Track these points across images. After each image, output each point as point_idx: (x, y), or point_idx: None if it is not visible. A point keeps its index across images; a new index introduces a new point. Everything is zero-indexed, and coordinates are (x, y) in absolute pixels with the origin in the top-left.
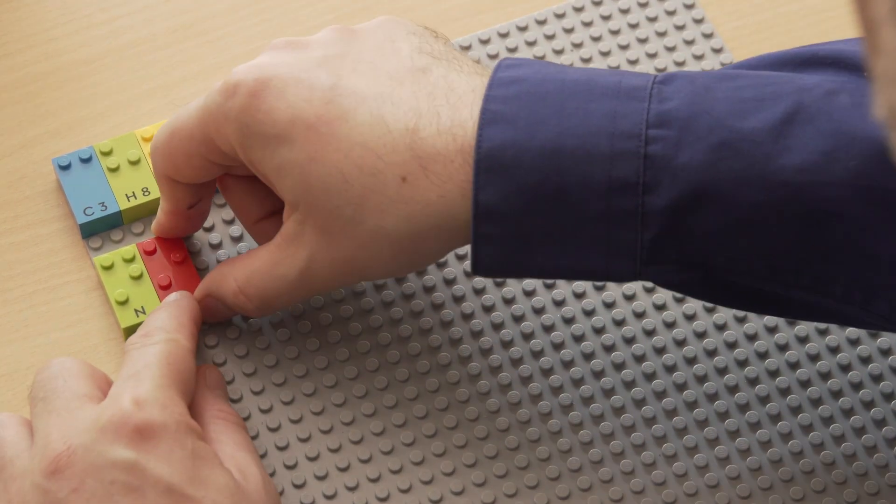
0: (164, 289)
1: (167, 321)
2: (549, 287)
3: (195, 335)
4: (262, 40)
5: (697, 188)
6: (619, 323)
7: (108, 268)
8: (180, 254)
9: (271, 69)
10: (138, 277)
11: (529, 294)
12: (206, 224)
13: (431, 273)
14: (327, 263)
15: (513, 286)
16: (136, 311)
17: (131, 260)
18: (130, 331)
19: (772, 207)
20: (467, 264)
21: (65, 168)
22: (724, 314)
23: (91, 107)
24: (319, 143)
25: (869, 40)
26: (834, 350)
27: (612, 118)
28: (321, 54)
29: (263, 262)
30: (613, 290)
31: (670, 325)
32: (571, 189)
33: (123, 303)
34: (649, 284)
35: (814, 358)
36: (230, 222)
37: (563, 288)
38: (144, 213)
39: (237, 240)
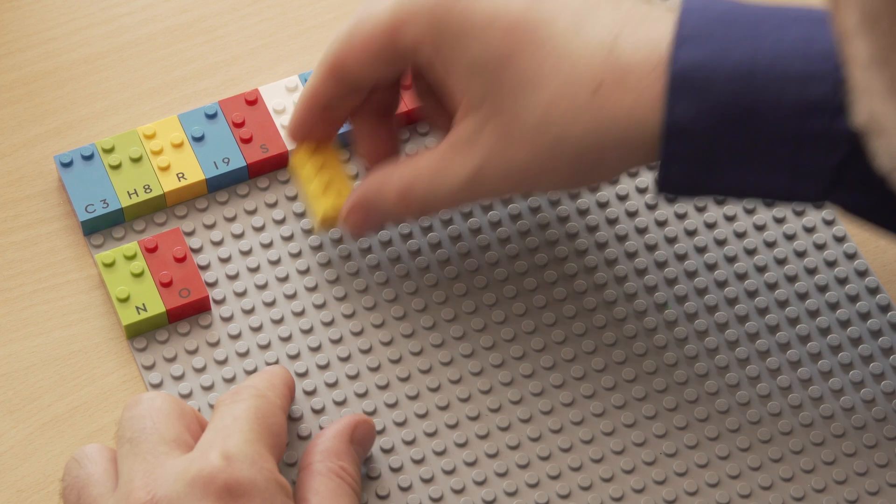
0: (166, 286)
1: (258, 382)
2: (551, 285)
3: (286, 396)
4: (262, 39)
5: None
6: (621, 321)
7: (110, 265)
8: (181, 251)
9: None
10: (139, 275)
11: (532, 291)
12: (208, 221)
13: (433, 271)
14: (501, 169)
15: (514, 283)
16: (137, 308)
17: (133, 257)
18: (132, 328)
19: None
20: (470, 262)
21: (66, 165)
22: (726, 313)
23: (91, 106)
24: (517, 45)
25: (844, 50)
26: (836, 349)
27: (806, 41)
28: None
29: (429, 167)
30: (614, 289)
31: (671, 324)
32: (763, 108)
33: (124, 300)
34: (651, 283)
35: (815, 357)
36: (231, 220)
37: (564, 286)
38: (146, 210)
39: (238, 237)
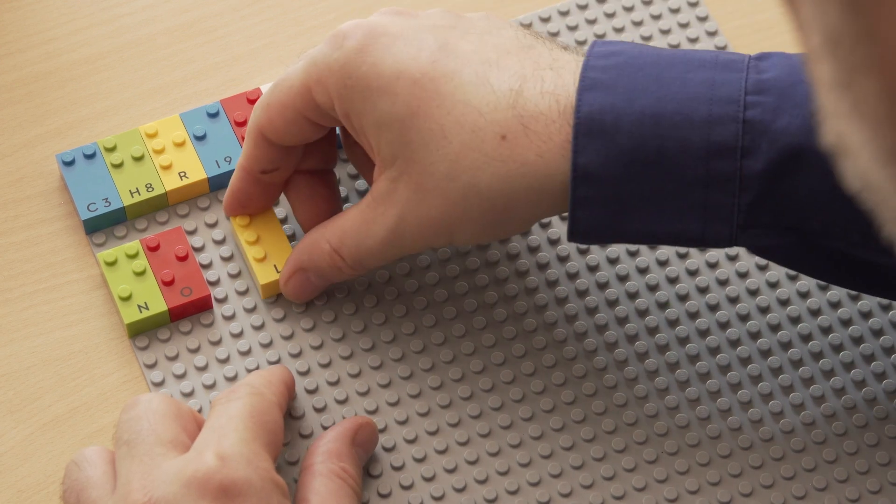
0: (167, 285)
1: (254, 379)
2: (553, 283)
3: (283, 394)
4: (263, 39)
5: (795, 152)
6: (623, 319)
7: (112, 263)
8: (183, 249)
9: (381, 26)
10: (141, 273)
11: (534, 290)
12: (210, 220)
13: (436, 270)
14: (417, 222)
15: (516, 282)
16: (138, 306)
17: (134, 256)
18: (133, 327)
19: None
20: (471, 260)
21: (68, 164)
22: (727, 312)
23: (92, 106)
24: (423, 99)
25: (810, 71)
26: (837, 348)
27: (710, 86)
28: (431, 23)
29: (354, 222)
30: (616, 287)
31: (673, 322)
32: (670, 153)
33: (126, 299)
34: (653, 281)
35: (817, 356)
36: None
37: (566, 285)
38: (148, 209)
39: None
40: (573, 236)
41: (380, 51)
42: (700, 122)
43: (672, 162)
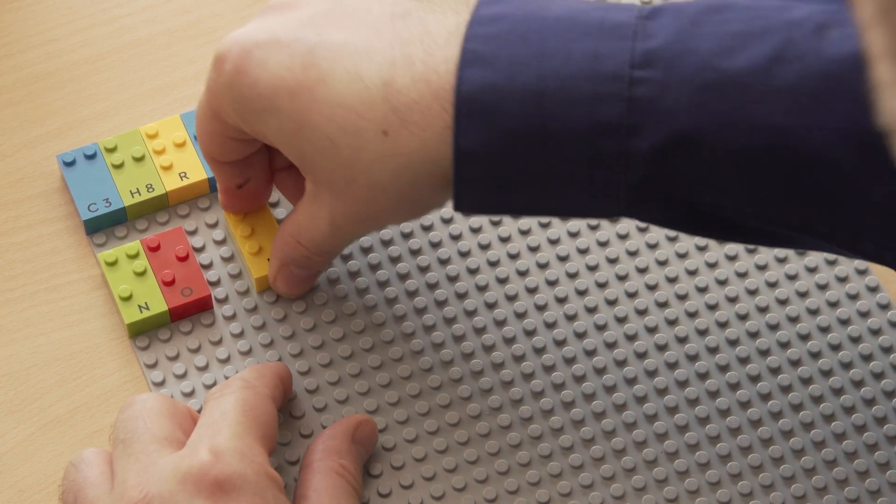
0: (168, 285)
1: (247, 373)
2: (553, 283)
3: (277, 387)
4: None
5: (683, 131)
6: (622, 319)
7: (112, 264)
8: (184, 249)
9: (253, 36)
10: (142, 273)
11: (533, 290)
12: (210, 220)
13: (434, 271)
14: (344, 219)
15: (515, 282)
16: (139, 307)
17: (135, 256)
18: (134, 327)
19: (758, 151)
20: (471, 261)
21: (69, 164)
22: (726, 311)
23: (92, 107)
24: (303, 111)
25: (866, 44)
26: (836, 347)
27: (594, 59)
28: (308, 14)
29: (303, 215)
30: (615, 288)
31: (672, 322)
32: (554, 133)
33: (127, 299)
34: (652, 281)
35: (815, 356)
36: None
37: (566, 285)
38: (148, 209)
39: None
40: (458, 208)
41: (255, 68)
42: (583, 100)
43: (555, 141)
